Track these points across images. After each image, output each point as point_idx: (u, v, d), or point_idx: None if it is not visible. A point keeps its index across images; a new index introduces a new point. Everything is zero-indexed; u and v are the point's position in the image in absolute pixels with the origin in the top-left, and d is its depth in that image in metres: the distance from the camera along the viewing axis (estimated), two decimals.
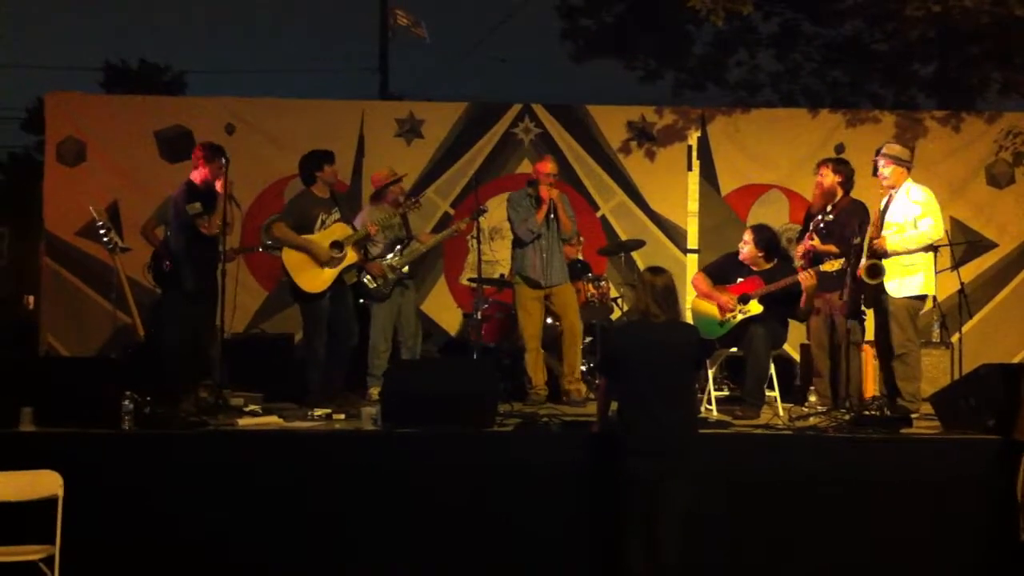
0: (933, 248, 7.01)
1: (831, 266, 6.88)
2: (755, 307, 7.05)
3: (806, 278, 6.94)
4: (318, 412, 6.61)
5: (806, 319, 7.36)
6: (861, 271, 6.85)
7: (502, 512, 5.75)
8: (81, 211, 8.83)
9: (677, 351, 5.32)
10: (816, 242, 7.20)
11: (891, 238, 6.89)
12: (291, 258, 7.29)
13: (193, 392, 6.66)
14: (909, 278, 6.91)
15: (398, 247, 7.86)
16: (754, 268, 7.21)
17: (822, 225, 7.27)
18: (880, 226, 6.99)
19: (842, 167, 7.39)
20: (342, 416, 6.59)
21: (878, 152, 7.19)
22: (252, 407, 6.80)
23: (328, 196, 7.48)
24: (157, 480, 5.69)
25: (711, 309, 7.20)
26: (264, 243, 8.43)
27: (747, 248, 7.24)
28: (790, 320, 7.35)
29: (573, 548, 5.72)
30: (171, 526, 5.65)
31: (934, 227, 6.93)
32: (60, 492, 5.19)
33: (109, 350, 8.62)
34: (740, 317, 7.08)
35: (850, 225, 7.06)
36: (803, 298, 6.99)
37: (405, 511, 5.73)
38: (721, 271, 7.36)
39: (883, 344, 7.08)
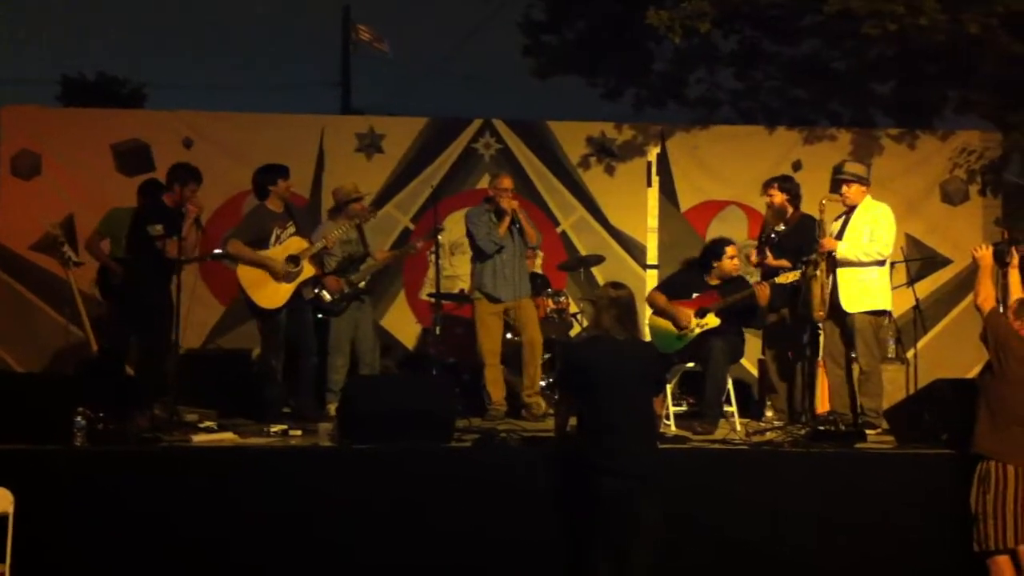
0: (880, 263, 7.12)
1: (786, 278, 7.03)
2: (712, 320, 7.12)
3: (761, 290, 7.05)
4: (274, 428, 6.55)
5: (761, 328, 7.46)
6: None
7: (460, 529, 5.71)
8: (36, 225, 8.76)
9: (637, 369, 5.32)
10: (769, 257, 7.32)
11: (842, 245, 7.04)
12: (246, 274, 7.25)
13: (147, 408, 6.59)
14: (866, 294, 7.04)
15: (355, 262, 7.83)
16: (711, 282, 7.29)
17: (774, 237, 7.45)
18: (839, 239, 7.13)
19: (788, 184, 7.66)
20: (299, 432, 6.53)
21: (838, 171, 7.33)
22: (207, 423, 6.73)
23: (282, 210, 7.44)
24: (110, 497, 5.61)
25: (668, 324, 7.25)
26: (219, 256, 8.35)
27: (736, 261, 7.38)
28: (747, 335, 7.45)
29: (532, 565, 5.70)
30: (124, 543, 5.56)
31: (885, 243, 7.08)
32: (11, 510, 5.11)
33: (62, 364, 8.51)
34: (698, 330, 7.13)
35: (802, 238, 7.19)
36: (759, 310, 7.12)
37: (362, 528, 5.69)
38: (676, 287, 7.44)
39: (846, 361, 7.15)
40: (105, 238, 8.00)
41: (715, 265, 7.34)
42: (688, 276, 7.55)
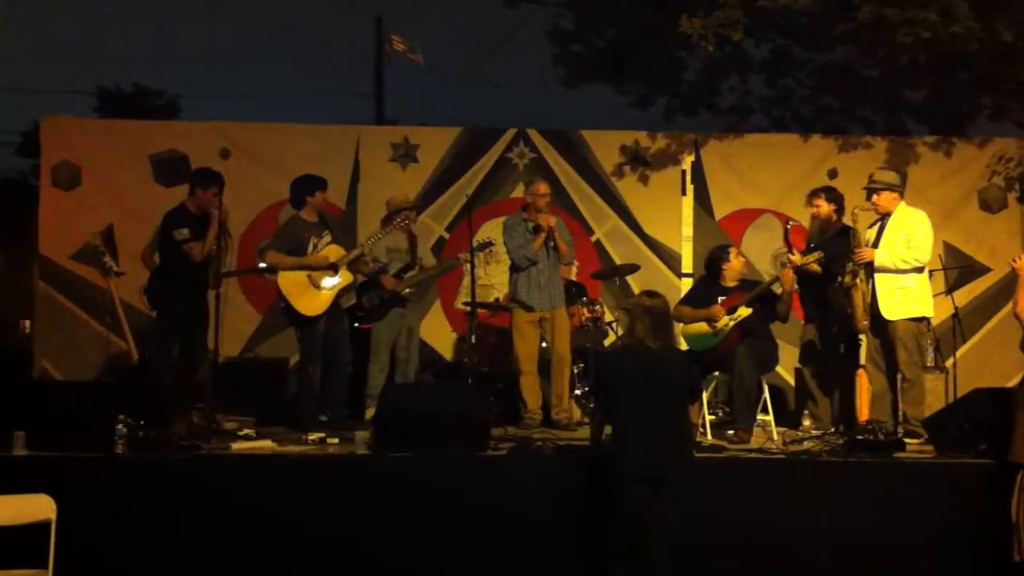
0: (919, 270, 7.10)
1: (807, 259, 7.13)
2: (744, 311, 7.17)
3: (786, 274, 7.21)
4: (312, 436, 6.60)
5: (785, 320, 7.46)
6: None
7: (494, 536, 5.74)
8: (76, 235, 8.86)
9: (671, 377, 5.34)
10: (796, 256, 7.30)
11: (879, 253, 7.02)
12: (287, 282, 7.30)
13: (186, 416, 6.65)
14: (906, 301, 7.02)
15: (400, 271, 7.90)
16: (729, 284, 7.37)
17: (814, 247, 7.41)
18: (875, 246, 7.12)
19: (834, 195, 7.64)
20: (336, 440, 6.58)
21: (869, 180, 7.31)
22: (246, 431, 6.80)
23: (317, 220, 7.51)
24: (150, 504, 5.69)
25: (700, 325, 7.29)
26: (257, 264, 8.42)
27: (742, 259, 7.57)
28: (782, 343, 7.45)
29: (564, 572, 5.71)
30: (164, 550, 5.63)
31: (923, 250, 7.06)
32: (53, 516, 5.15)
33: (103, 374, 8.58)
34: (732, 324, 7.17)
35: (837, 249, 7.18)
36: (783, 297, 7.27)
37: (398, 535, 5.72)
38: (699, 299, 7.48)
39: (888, 368, 7.11)
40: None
41: (724, 268, 7.44)
42: (706, 287, 7.62)
